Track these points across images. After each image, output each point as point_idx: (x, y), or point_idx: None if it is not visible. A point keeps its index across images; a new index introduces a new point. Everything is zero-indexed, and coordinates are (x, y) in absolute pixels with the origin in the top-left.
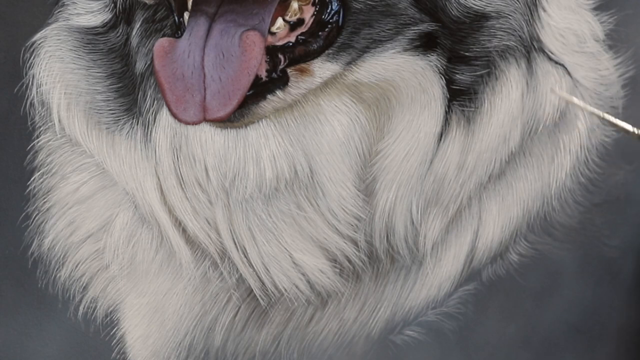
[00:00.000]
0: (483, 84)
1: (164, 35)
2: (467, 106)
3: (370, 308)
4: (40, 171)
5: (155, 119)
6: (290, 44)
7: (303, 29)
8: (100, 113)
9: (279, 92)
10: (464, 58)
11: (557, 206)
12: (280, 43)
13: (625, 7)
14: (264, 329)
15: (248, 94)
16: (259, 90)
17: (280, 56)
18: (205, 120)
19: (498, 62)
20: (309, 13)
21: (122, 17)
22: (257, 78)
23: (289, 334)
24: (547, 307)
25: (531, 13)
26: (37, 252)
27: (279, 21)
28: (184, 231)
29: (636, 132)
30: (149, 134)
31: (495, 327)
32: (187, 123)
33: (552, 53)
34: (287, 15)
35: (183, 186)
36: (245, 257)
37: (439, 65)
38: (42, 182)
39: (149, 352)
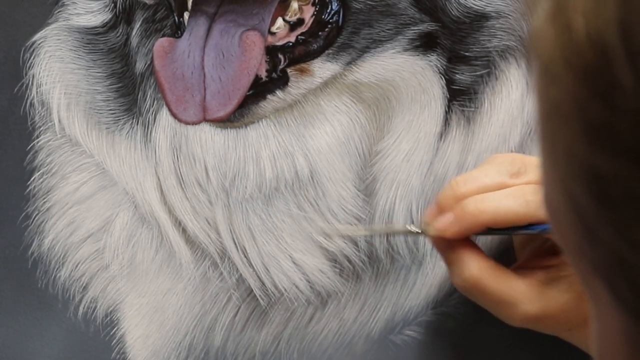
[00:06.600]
0: (483, 84)
1: (164, 35)
2: (467, 106)
3: (370, 308)
4: (40, 171)
5: (155, 119)
6: (290, 44)
7: (303, 29)
8: (100, 113)
9: (279, 92)
10: (464, 58)
11: None
12: (280, 43)
13: None
14: (264, 329)
15: (248, 94)
16: (259, 90)
17: (280, 56)
18: (205, 120)
19: (498, 62)
20: (308, 13)
21: (122, 17)
22: (257, 78)
23: (289, 334)
24: None
25: (531, 13)
26: (37, 252)
27: (279, 21)
28: (184, 231)
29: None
30: (149, 134)
31: (495, 327)
32: (187, 123)
33: None
34: (287, 15)
35: (183, 186)
36: (245, 257)
37: (439, 65)
38: (42, 182)
39: (149, 352)
